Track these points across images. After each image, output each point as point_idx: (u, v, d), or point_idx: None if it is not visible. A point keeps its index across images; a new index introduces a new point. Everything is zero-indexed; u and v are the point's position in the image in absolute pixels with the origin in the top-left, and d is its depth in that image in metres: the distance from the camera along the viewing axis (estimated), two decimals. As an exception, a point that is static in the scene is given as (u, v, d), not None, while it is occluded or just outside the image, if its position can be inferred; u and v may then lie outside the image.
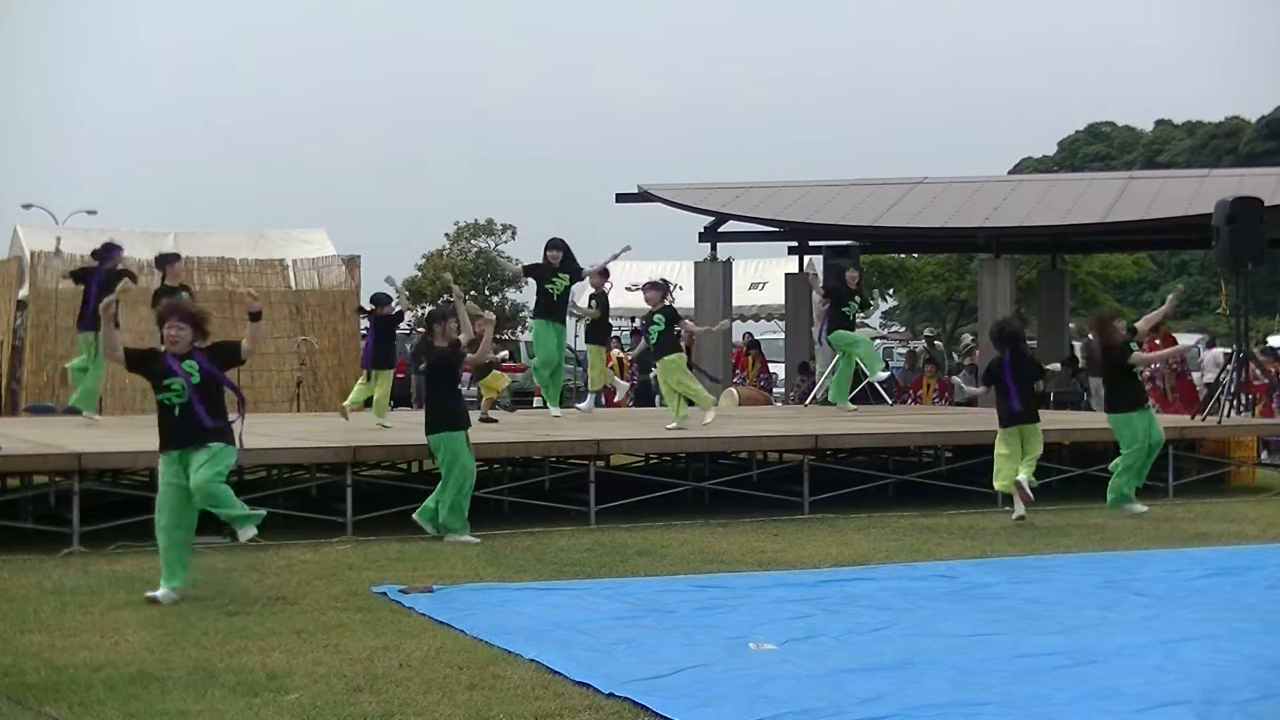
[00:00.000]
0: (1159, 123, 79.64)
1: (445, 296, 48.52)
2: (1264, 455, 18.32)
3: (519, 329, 44.20)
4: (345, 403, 14.74)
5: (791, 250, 26.74)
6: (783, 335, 27.25)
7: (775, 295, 28.58)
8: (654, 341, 14.51)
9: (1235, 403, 17.28)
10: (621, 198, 25.31)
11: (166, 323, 8.60)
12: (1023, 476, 12.60)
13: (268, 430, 13.49)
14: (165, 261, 14.34)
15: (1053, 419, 16.22)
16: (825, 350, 20.36)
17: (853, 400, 19.90)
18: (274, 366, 20.67)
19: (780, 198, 24.87)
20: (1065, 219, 22.88)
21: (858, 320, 19.84)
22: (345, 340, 21.18)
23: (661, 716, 5.93)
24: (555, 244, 15.45)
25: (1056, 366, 13.97)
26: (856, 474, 14.07)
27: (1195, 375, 22.05)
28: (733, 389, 21.71)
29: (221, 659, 6.99)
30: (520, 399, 26.47)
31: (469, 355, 11.60)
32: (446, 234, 50.90)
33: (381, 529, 11.52)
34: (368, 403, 14.59)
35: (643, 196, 25.07)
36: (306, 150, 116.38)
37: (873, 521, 12.63)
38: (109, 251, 14.31)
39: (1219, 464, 16.22)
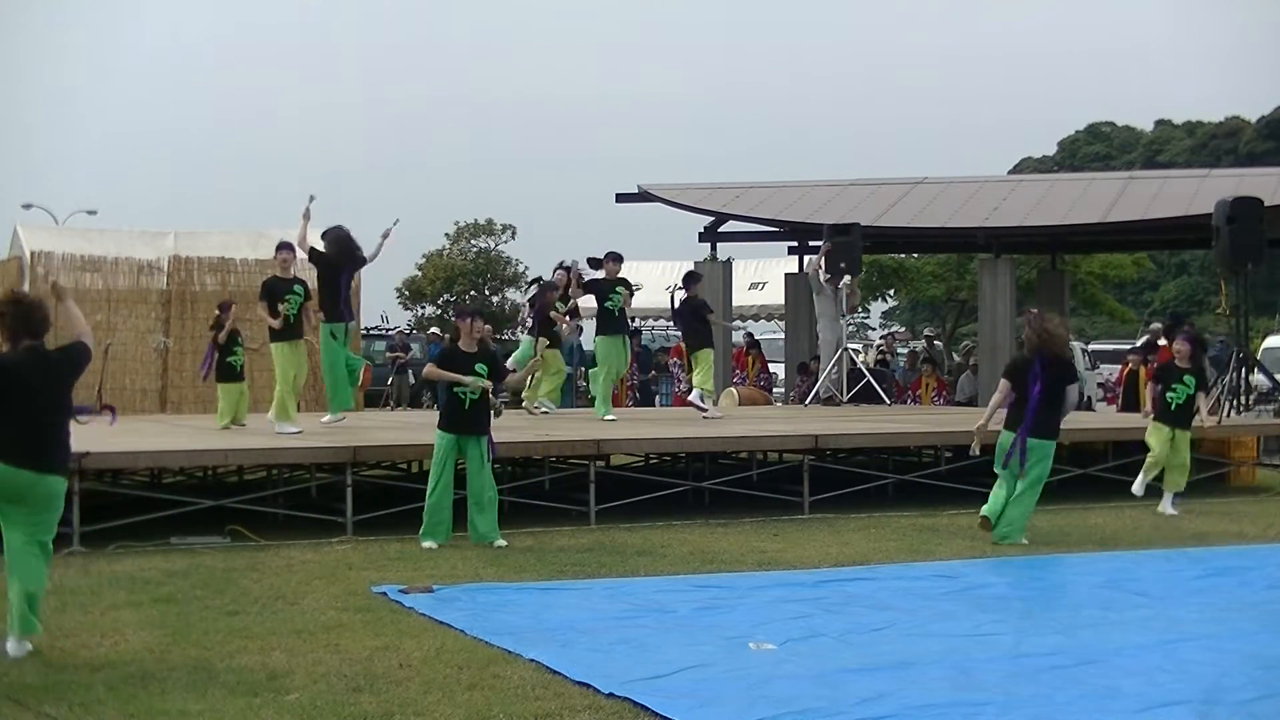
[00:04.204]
0: (1159, 123, 79.60)
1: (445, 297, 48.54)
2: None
3: (519, 329, 44.14)
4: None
5: (791, 250, 26.75)
6: (783, 335, 27.25)
7: (775, 295, 28.57)
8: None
9: (1235, 403, 17.30)
10: (621, 198, 25.32)
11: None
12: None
13: (268, 429, 13.49)
14: (279, 251, 13.58)
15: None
16: (827, 346, 20.36)
17: (851, 400, 19.99)
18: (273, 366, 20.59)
19: (780, 198, 24.88)
20: (1065, 219, 22.88)
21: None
22: (345, 340, 21.12)
23: (661, 716, 5.93)
24: (616, 256, 15.64)
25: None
26: (856, 474, 14.07)
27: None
28: (733, 389, 21.71)
29: (221, 659, 6.99)
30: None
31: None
32: (446, 234, 50.87)
33: (381, 529, 11.52)
34: None
35: (643, 196, 25.08)
36: (306, 150, 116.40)
37: (873, 521, 12.63)
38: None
39: (1219, 464, 16.22)
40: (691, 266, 25.31)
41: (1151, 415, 13.55)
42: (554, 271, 16.58)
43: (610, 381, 16.08)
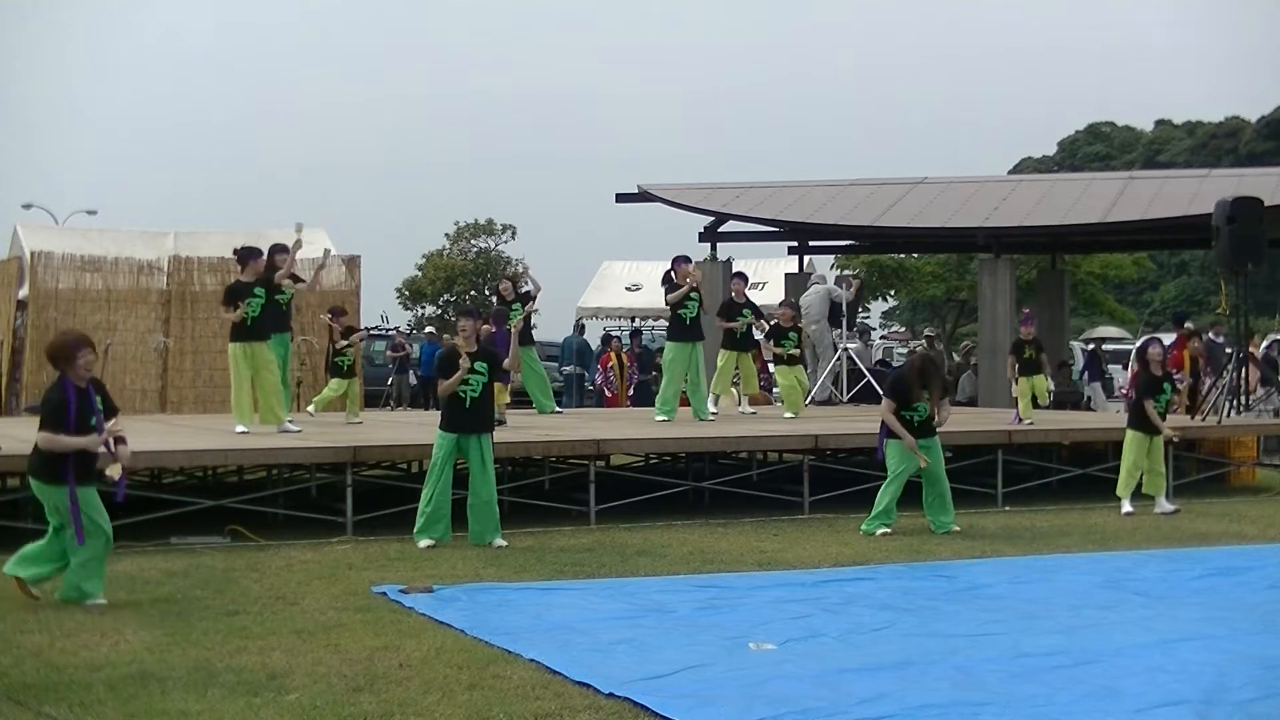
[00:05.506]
0: (1159, 123, 79.61)
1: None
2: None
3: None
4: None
5: (791, 250, 26.74)
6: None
7: (775, 295, 28.56)
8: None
9: (1235, 403, 17.29)
10: (621, 198, 25.31)
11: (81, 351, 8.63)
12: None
13: (269, 430, 13.48)
14: (246, 256, 13.54)
15: (1053, 419, 16.23)
16: (823, 349, 20.40)
17: (850, 400, 20.01)
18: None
19: (780, 198, 24.86)
20: (1065, 219, 22.86)
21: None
22: (345, 340, 21.11)
23: (661, 716, 5.93)
24: (685, 258, 16.07)
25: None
26: (856, 474, 14.06)
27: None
28: (733, 389, 21.69)
29: (221, 659, 6.99)
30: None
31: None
32: (446, 234, 50.94)
33: (381, 529, 11.53)
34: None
35: (643, 196, 25.07)
36: (306, 150, 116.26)
37: (873, 521, 12.61)
38: None
39: (1219, 464, 16.23)
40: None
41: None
42: (500, 283, 17.55)
43: (675, 384, 16.03)
